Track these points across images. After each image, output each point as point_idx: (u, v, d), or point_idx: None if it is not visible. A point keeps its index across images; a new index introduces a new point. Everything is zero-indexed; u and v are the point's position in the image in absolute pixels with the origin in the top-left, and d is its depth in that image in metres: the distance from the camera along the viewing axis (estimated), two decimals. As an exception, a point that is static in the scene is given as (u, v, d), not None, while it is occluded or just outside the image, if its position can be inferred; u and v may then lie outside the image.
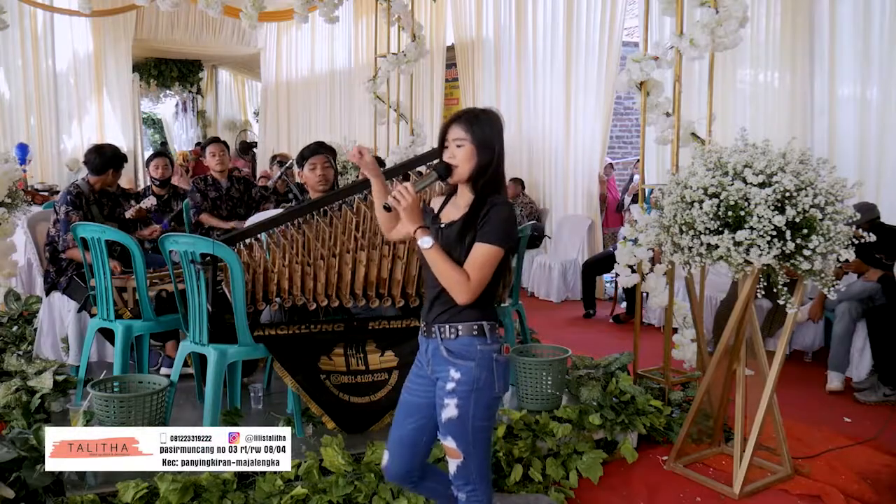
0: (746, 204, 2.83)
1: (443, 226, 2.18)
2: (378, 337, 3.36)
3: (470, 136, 2.11)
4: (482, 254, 2.06)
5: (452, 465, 2.19)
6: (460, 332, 2.13)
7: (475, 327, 2.12)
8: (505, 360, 2.18)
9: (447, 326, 2.14)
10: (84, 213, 4.10)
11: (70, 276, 4.13)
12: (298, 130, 12.26)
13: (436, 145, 2.26)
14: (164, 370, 4.04)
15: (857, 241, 2.92)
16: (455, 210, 2.19)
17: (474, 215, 2.10)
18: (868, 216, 4.42)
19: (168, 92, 16.07)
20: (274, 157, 10.25)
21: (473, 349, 2.12)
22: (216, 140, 5.54)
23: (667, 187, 3.17)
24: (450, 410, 2.13)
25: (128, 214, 4.41)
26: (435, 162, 2.18)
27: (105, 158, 4.23)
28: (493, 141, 2.13)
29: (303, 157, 3.71)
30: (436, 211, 2.27)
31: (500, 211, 2.08)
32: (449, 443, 2.17)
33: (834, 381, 4.57)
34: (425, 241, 2.06)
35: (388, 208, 2.12)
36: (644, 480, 3.31)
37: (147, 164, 5.77)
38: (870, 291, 4.57)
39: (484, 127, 2.13)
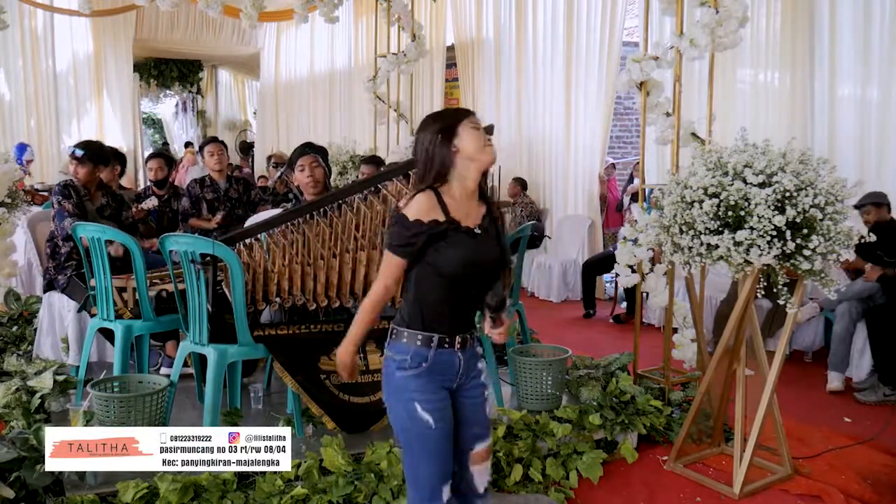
0: (746, 204, 2.83)
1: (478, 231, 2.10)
2: (378, 337, 3.35)
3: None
4: None
5: (485, 472, 2.11)
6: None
7: None
8: None
9: (475, 329, 2.18)
10: (76, 204, 4.10)
11: (70, 275, 4.13)
12: (298, 131, 12.24)
13: None
14: (164, 370, 4.04)
15: (859, 241, 2.91)
16: (469, 216, 2.10)
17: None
18: (875, 199, 4.48)
19: (168, 92, 16.07)
20: (269, 158, 10.24)
21: None
22: (215, 139, 5.51)
23: (667, 187, 3.17)
24: (488, 402, 2.15)
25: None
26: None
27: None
28: None
29: (292, 161, 3.73)
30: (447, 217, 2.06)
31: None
32: (487, 443, 2.13)
33: (834, 381, 4.57)
34: None
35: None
36: (644, 480, 3.31)
37: (145, 164, 5.76)
38: (870, 291, 4.57)
39: None
